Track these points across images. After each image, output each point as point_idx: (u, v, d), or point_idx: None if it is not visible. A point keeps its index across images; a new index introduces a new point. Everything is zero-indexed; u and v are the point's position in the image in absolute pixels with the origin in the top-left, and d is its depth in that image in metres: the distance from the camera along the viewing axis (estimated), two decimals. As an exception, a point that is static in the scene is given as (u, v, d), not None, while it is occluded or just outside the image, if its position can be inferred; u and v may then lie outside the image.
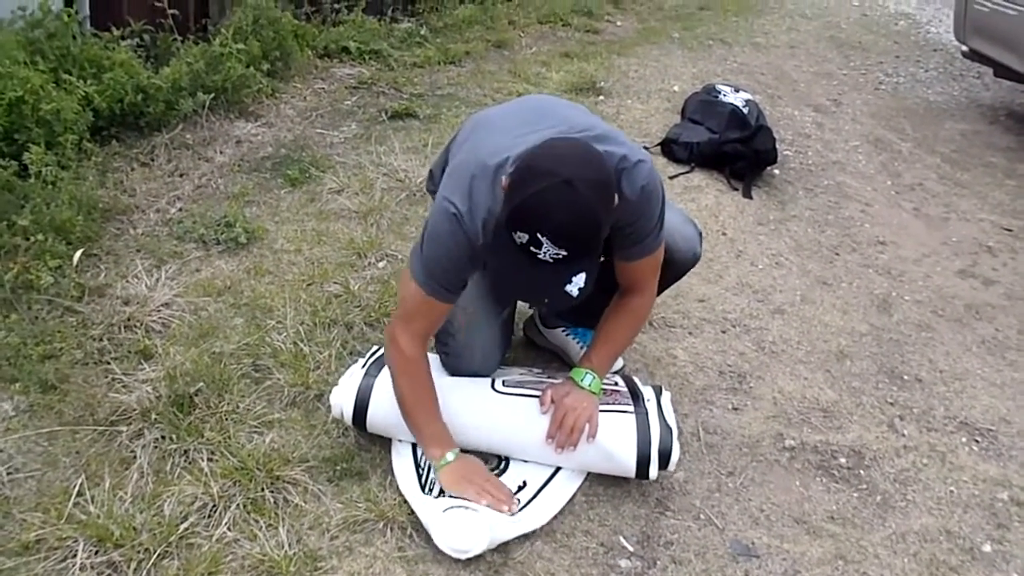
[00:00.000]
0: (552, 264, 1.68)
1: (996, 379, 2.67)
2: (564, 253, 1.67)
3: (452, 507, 1.86)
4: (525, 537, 1.91)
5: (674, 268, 2.19)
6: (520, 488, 2.00)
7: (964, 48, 4.80)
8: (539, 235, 1.66)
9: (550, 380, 2.15)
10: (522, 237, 1.68)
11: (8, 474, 1.90)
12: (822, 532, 2.05)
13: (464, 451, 1.98)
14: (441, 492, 1.93)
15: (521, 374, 2.21)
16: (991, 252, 3.47)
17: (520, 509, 1.93)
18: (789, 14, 6.09)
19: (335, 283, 2.62)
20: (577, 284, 1.71)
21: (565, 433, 1.99)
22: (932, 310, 3.01)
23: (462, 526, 1.83)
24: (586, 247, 1.70)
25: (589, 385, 2.04)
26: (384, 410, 2.02)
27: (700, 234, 2.25)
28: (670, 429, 2.03)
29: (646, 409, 2.06)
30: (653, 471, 2.01)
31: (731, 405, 2.41)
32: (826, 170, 3.92)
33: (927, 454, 2.32)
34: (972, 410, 2.51)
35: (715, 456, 2.23)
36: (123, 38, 3.29)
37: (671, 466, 2.02)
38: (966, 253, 3.44)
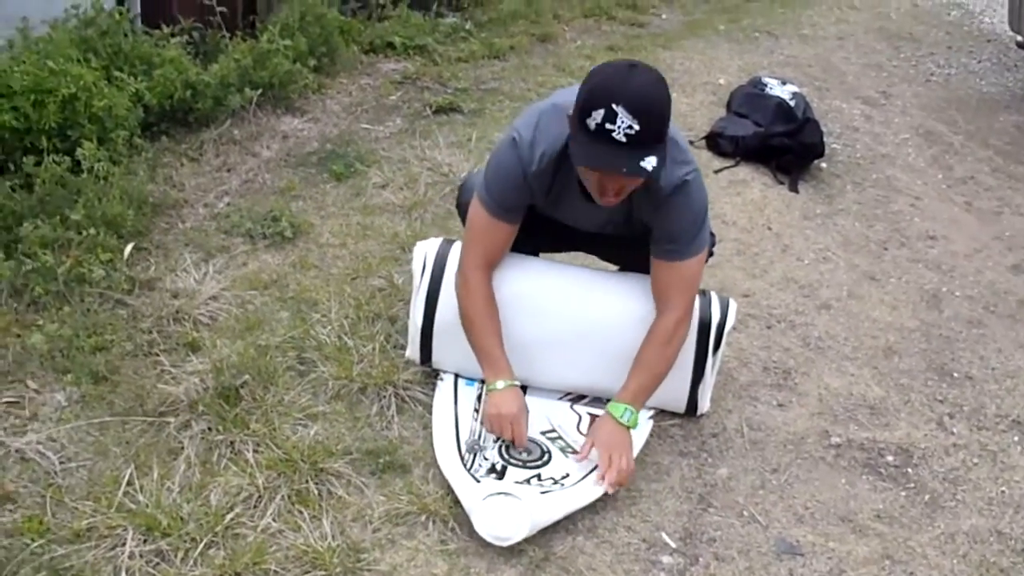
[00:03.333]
0: (627, 143, 1.76)
1: (1049, 377, 2.61)
2: (637, 128, 1.75)
3: (493, 494, 1.86)
4: (567, 532, 1.91)
5: None
6: (564, 477, 2.00)
7: (1018, 38, 4.68)
8: (614, 106, 1.74)
9: (590, 411, 2.19)
10: (597, 117, 1.76)
11: (61, 463, 1.94)
12: (868, 531, 2.02)
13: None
14: (488, 472, 1.96)
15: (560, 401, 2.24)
16: (1045, 247, 3.39)
17: (562, 489, 1.94)
18: (837, 4, 5.99)
19: (379, 277, 2.64)
20: (651, 162, 1.78)
21: (615, 471, 1.97)
22: (983, 306, 2.95)
23: (503, 514, 1.84)
24: (658, 123, 1.80)
25: (627, 420, 2.02)
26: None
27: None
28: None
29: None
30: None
31: (776, 401, 2.39)
32: (875, 163, 3.86)
33: (977, 453, 2.28)
34: (1024, 408, 2.47)
35: (759, 453, 2.21)
36: (173, 35, 3.33)
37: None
38: (1019, 248, 3.37)
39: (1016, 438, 2.35)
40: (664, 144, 1.83)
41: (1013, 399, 2.50)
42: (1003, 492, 2.17)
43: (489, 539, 1.83)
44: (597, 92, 1.79)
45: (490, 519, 1.83)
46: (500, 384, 2.04)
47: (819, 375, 2.51)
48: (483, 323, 2.07)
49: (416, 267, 2.22)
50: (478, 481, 1.92)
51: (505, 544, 1.83)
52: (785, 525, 2.01)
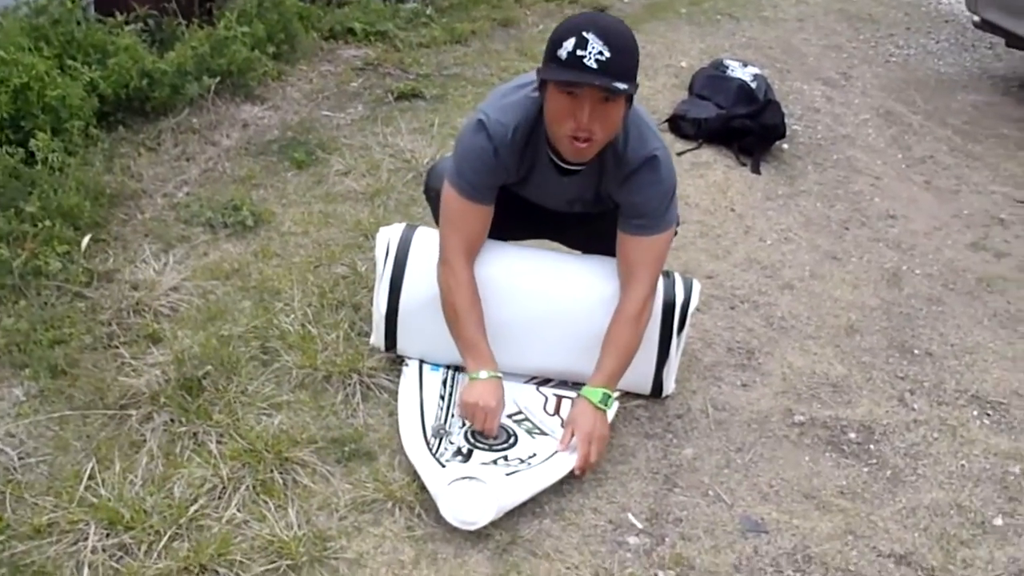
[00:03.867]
0: (598, 69, 1.77)
1: (1008, 352, 2.65)
2: (608, 54, 1.77)
3: (458, 478, 1.86)
4: (533, 515, 1.91)
5: None
6: (531, 456, 2.00)
7: (976, 19, 4.73)
8: (585, 33, 1.77)
9: (556, 392, 2.20)
10: (568, 46, 1.79)
11: (20, 458, 1.91)
12: (832, 507, 2.04)
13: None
14: (454, 456, 1.95)
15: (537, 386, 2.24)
16: (1003, 224, 3.44)
17: (528, 469, 1.94)
18: (798, -13, 6.01)
19: (343, 264, 2.62)
20: (622, 86, 1.80)
21: (593, 461, 1.99)
22: (943, 283, 2.99)
23: (469, 498, 1.83)
24: (628, 58, 1.82)
25: (605, 404, 2.02)
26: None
27: None
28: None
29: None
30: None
31: (740, 381, 2.40)
32: (835, 144, 3.89)
33: (938, 428, 2.31)
34: (983, 384, 2.50)
35: (724, 432, 2.22)
36: (127, 23, 3.28)
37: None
38: (977, 226, 3.42)
39: (975, 413, 2.38)
40: (634, 85, 1.84)
41: (972, 374, 2.53)
42: (963, 466, 2.20)
43: (455, 524, 1.83)
44: (567, 26, 1.83)
45: (456, 504, 1.83)
46: (483, 374, 2.03)
47: (782, 354, 2.53)
48: (468, 314, 2.05)
49: (379, 253, 2.20)
50: (443, 466, 1.91)
51: (472, 528, 1.83)
52: (750, 503, 2.03)
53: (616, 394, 2.09)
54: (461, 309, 2.04)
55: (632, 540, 1.90)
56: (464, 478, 1.86)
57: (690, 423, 2.23)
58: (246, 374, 2.18)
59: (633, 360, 2.07)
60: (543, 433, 2.09)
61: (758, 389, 2.38)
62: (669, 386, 2.25)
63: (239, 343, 2.28)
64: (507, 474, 1.92)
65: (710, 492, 2.05)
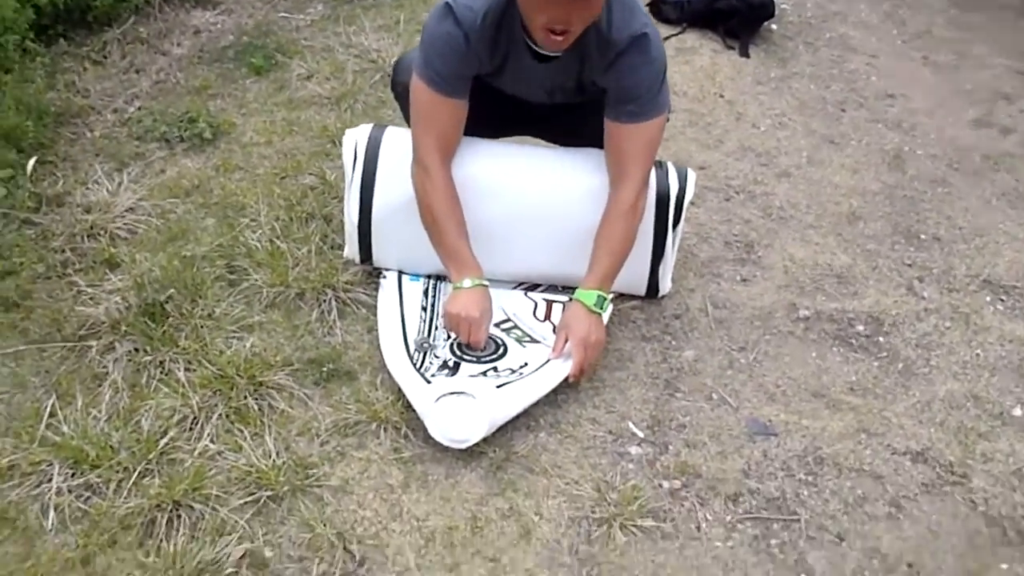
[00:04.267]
0: None
1: (1019, 233, 2.52)
2: None
3: (445, 394, 1.73)
4: (528, 429, 1.80)
5: None
6: (522, 366, 1.88)
7: None
8: None
9: (545, 297, 2.08)
10: None
11: (-27, 399, 1.77)
12: (842, 405, 1.94)
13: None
14: (440, 370, 1.83)
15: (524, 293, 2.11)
16: (1007, 99, 3.27)
17: (520, 379, 1.82)
18: None
19: (310, 174, 2.46)
20: None
21: (588, 368, 1.88)
22: (947, 164, 2.84)
23: (458, 415, 1.71)
24: None
25: (600, 307, 1.87)
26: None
27: None
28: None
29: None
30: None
31: (740, 276, 2.27)
32: (827, 22, 3.68)
33: (950, 316, 2.20)
34: (995, 267, 2.38)
35: (725, 331, 2.10)
36: (62, -75, 3.02)
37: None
38: (981, 102, 3.24)
39: (988, 298, 2.27)
40: None
41: (983, 258, 2.41)
42: (977, 355, 2.09)
43: (445, 443, 1.72)
44: None
45: (445, 422, 1.71)
46: (467, 283, 1.88)
47: (783, 246, 2.39)
48: (447, 219, 1.89)
49: (347, 158, 2.04)
50: (428, 382, 1.78)
51: (463, 446, 1.72)
52: (756, 405, 1.92)
53: (610, 296, 1.95)
54: (440, 214, 1.89)
55: (634, 450, 1.79)
56: (452, 393, 1.73)
57: (689, 323, 2.11)
58: (212, 296, 2.04)
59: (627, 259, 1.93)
60: (534, 341, 1.96)
61: (759, 284, 2.25)
62: (665, 285, 2.12)
63: (203, 263, 2.13)
64: (497, 386, 1.79)
65: (714, 395, 1.93)
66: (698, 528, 1.66)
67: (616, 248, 1.89)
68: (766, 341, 2.09)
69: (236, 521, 1.58)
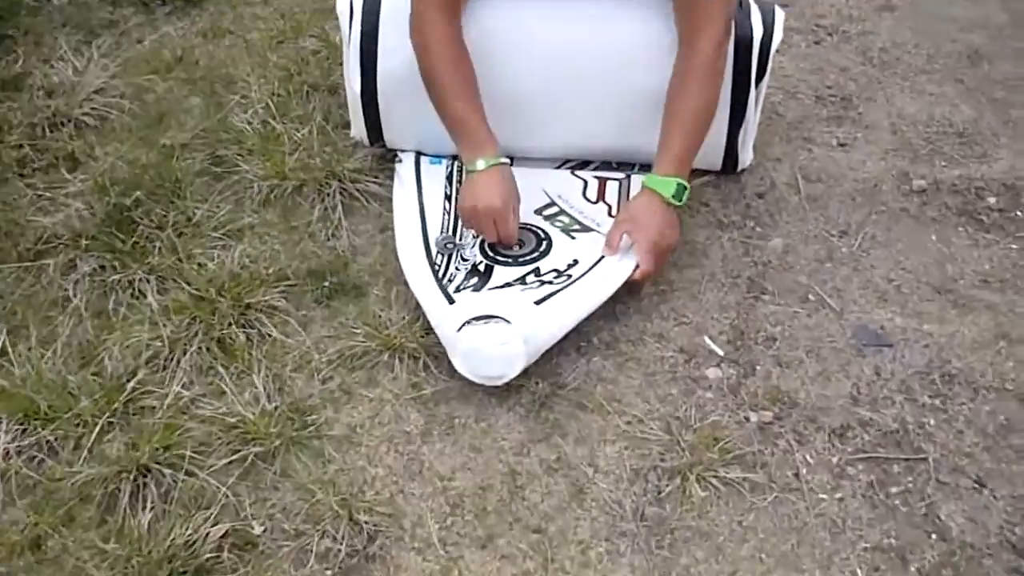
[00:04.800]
0: None
1: None
2: None
3: (470, 320, 1.38)
4: (578, 352, 1.46)
5: None
6: (571, 266, 1.53)
7: None
8: None
9: (598, 175, 1.73)
10: None
11: (-93, 336, 1.48)
12: (975, 303, 1.56)
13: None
14: (467, 278, 1.50)
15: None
16: None
17: (567, 286, 1.47)
18: None
19: (311, 36, 2.13)
20: None
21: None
22: (1092, -17, 2.35)
23: (488, 346, 1.36)
24: None
25: (679, 199, 1.50)
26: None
27: None
28: None
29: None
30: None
31: (836, 140, 1.90)
32: None
33: (1107, 179, 1.78)
34: None
35: (821, 212, 1.73)
36: None
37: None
38: None
39: None
40: None
41: None
42: None
43: (475, 380, 1.38)
44: None
45: (471, 356, 1.36)
46: (480, 163, 1.52)
47: (889, 99, 2.00)
48: (452, 81, 1.53)
49: (342, 12, 1.65)
50: (452, 300, 1.43)
51: (498, 384, 1.38)
52: (864, 307, 1.55)
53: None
54: (442, 74, 1.52)
55: (712, 373, 1.44)
56: (479, 318, 1.37)
57: (776, 203, 1.74)
58: (193, 196, 1.71)
59: None
60: (585, 229, 1.61)
61: (861, 149, 1.87)
62: (746, 156, 1.75)
63: (184, 155, 1.81)
64: (537, 301, 1.43)
65: (810, 296, 1.57)
66: (796, 475, 1.32)
67: (693, 119, 1.51)
68: (873, 223, 1.71)
69: (217, 488, 1.27)
